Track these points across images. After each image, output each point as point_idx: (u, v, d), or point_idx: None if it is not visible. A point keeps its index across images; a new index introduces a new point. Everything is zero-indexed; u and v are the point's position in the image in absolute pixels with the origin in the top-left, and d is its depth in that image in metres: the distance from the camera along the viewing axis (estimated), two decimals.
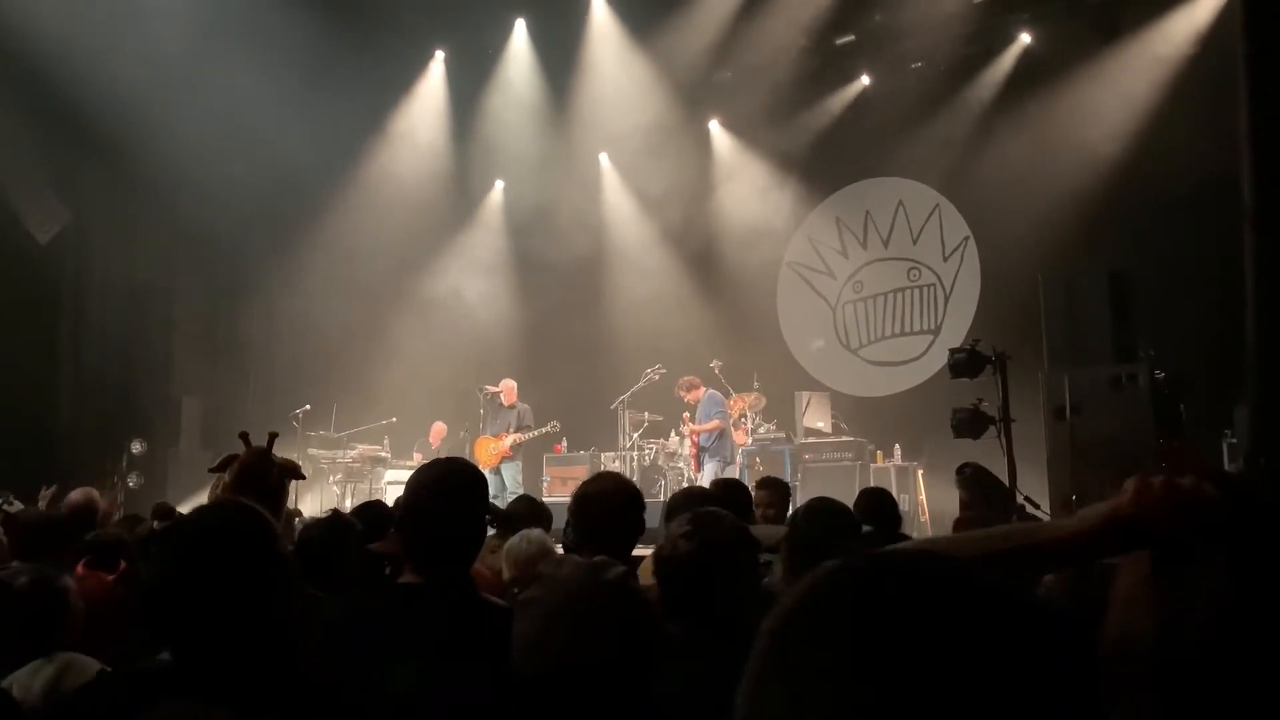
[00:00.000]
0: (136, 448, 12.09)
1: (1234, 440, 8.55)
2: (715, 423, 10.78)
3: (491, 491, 11.87)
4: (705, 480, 10.51)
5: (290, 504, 3.71)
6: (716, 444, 10.78)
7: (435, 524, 2.45)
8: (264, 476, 2.79)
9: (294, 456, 8.39)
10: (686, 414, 11.19)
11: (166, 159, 11.20)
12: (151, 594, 1.77)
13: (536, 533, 3.94)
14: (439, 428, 12.70)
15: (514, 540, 3.86)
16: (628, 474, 11.42)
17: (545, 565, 2.78)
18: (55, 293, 12.12)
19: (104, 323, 12.64)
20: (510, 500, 10.71)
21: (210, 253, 12.92)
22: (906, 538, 4.02)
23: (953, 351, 8.05)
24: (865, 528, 3.76)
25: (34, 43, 10.06)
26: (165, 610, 1.73)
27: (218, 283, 13.41)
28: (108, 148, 11.19)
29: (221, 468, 2.83)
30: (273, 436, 2.93)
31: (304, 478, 2.95)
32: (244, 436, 2.92)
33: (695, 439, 10.97)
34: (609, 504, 3.11)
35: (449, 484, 2.52)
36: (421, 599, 2.39)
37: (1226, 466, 8.25)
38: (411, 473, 2.68)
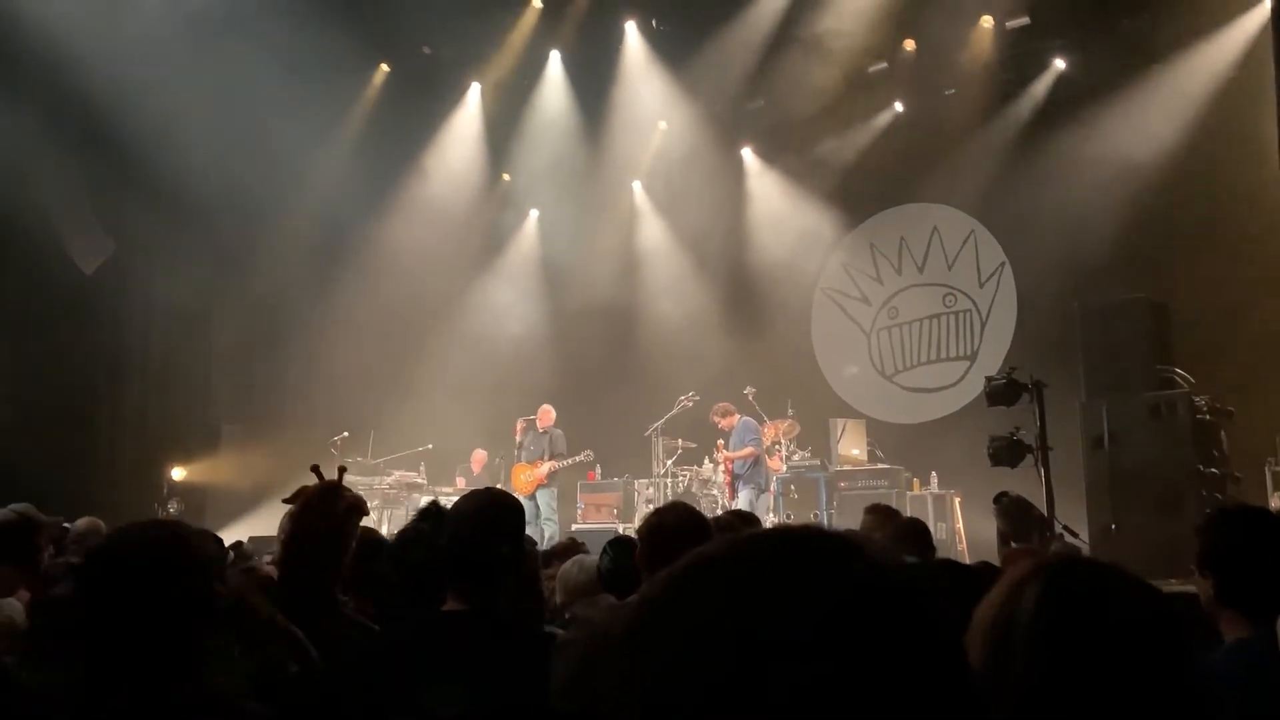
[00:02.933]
0: (176, 474, 12.24)
1: (1278, 468, 8.43)
2: (749, 449, 10.74)
3: (526, 518, 11.83)
4: (741, 508, 10.47)
5: None
6: (751, 471, 10.75)
7: (475, 552, 2.53)
8: (328, 511, 2.83)
9: None
10: (720, 440, 11.17)
11: (207, 187, 11.39)
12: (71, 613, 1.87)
13: (590, 559, 3.96)
14: (480, 455, 12.78)
15: (567, 566, 3.89)
16: (661, 501, 11.42)
17: (579, 607, 2.81)
18: (98, 320, 12.32)
19: (144, 349, 12.83)
20: (544, 526, 10.80)
21: (250, 281, 13.09)
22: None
23: (989, 379, 8.00)
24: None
25: (79, 73, 10.27)
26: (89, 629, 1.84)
27: (257, 311, 13.58)
28: (152, 179, 11.41)
29: (295, 499, 2.88)
30: (342, 471, 2.97)
31: (367, 513, 3.00)
32: (315, 469, 2.96)
33: (729, 466, 10.94)
34: (680, 534, 3.14)
35: (488, 513, 2.62)
36: (463, 626, 2.45)
37: (1270, 495, 8.12)
38: (453, 501, 2.74)
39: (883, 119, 13.05)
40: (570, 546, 4.61)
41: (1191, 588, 6.18)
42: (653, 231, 14.38)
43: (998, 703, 1.11)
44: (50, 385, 11.21)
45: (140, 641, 1.79)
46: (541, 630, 2.85)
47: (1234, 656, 2.25)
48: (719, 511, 10.76)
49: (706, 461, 11.70)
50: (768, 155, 13.94)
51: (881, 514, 5.34)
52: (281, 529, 2.87)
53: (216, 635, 1.95)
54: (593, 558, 4.04)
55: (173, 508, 11.99)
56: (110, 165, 11.39)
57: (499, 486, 11.93)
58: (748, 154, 14.08)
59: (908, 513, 8.85)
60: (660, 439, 11.84)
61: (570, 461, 11.50)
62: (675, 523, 3.20)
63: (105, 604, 1.82)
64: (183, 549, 1.92)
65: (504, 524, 2.63)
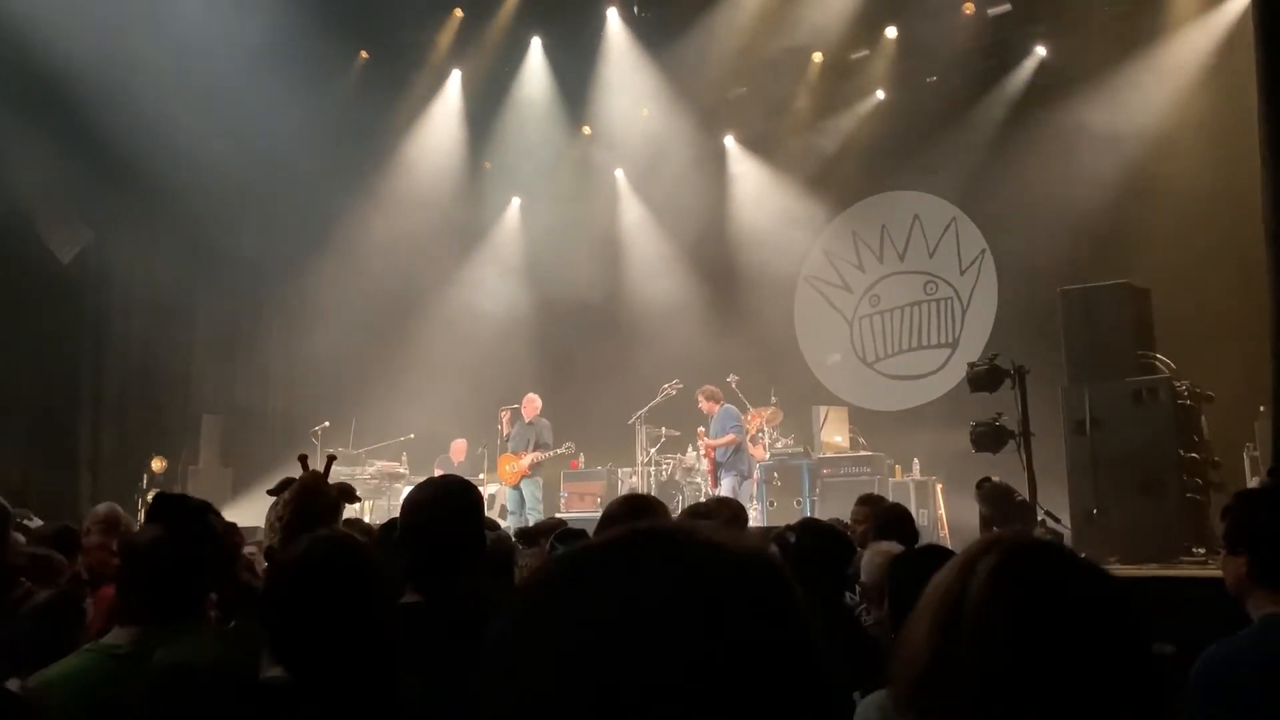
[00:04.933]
0: (157, 465, 12.16)
1: (1256, 453, 8.49)
2: (730, 437, 10.76)
3: (511, 508, 11.74)
4: (723, 495, 10.48)
5: None
6: (733, 459, 10.76)
7: (432, 542, 2.48)
8: (321, 499, 2.84)
9: None
10: (701, 429, 11.18)
11: (188, 178, 11.30)
12: (277, 618, 1.95)
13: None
14: (460, 444, 12.73)
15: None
16: (644, 489, 11.42)
17: None
18: (77, 311, 12.22)
19: (125, 340, 12.74)
20: (529, 516, 10.77)
21: (231, 271, 13.01)
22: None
23: (971, 365, 8.02)
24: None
25: (57, 62, 10.17)
26: (290, 633, 1.92)
27: (238, 301, 13.50)
28: (129, 167, 11.29)
29: (280, 489, 2.88)
30: (330, 459, 2.98)
31: (358, 500, 3.01)
32: (303, 460, 2.98)
33: (711, 454, 10.95)
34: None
35: (444, 502, 2.56)
36: (424, 617, 2.39)
37: (1248, 480, 8.18)
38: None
39: (865, 107, 13.05)
40: (555, 527, 4.60)
41: (1168, 572, 6.20)
42: (635, 219, 14.36)
43: (943, 681, 1.09)
44: (30, 375, 11.11)
45: (350, 653, 1.87)
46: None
47: (1266, 632, 2.31)
48: (702, 499, 10.79)
49: (690, 450, 11.71)
50: (750, 143, 13.92)
51: (871, 504, 5.40)
52: (273, 517, 2.86)
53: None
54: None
55: (152, 498, 11.91)
56: (89, 155, 11.27)
57: (482, 476, 11.94)
58: (730, 142, 14.06)
59: (890, 499, 8.87)
60: (643, 427, 11.84)
61: (553, 453, 11.48)
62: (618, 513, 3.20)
63: (313, 616, 1.89)
64: (373, 561, 2.01)
65: (458, 512, 2.56)
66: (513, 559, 3.89)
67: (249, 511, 10.02)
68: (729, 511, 4.31)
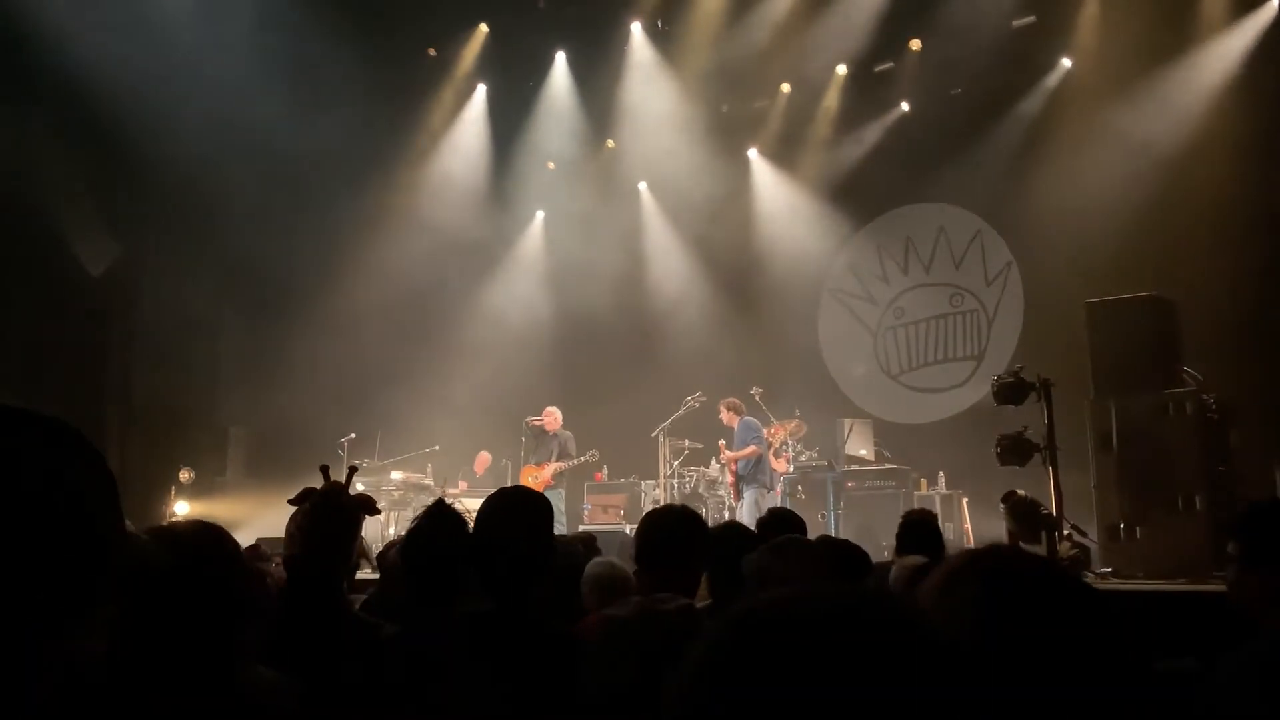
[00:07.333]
0: (184, 477, 12.27)
1: None
2: (752, 448, 10.73)
3: None
4: (745, 508, 10.47)
5: None
6: (754, 471, 10.73)
7: (506, 550, 2.57)
8: (341, 510, 2.86)
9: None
10: (722, 441, 11.17)
11: (217, 191, 11.41)
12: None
13: (611, 560, 3.96)
14: (484, 457, 12.77)
15: (591, 566, 3.90)
16: (668, 502, 11.39)
17: (613, 608, 2.82)
18: (105, 323, 12.35)
19: (153, 353, 12.86)
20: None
21: (258, 284, 13.12)
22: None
23: (997, 378, 7.98)
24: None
25: (87, 77, 10.31)
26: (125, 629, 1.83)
27: (265, 314, 13.60)
28: (159, 181, 11.43)
29: (301, 500, 2.90)
30: (352, 470, 3.01)
31: (379, 512, 3.03)
32: (324, 469, 3.01)
33: (733, 467, 10.92)
34: (672, 535, 3.18)
35: (518, 511, 2.66)
36: (492, 626, 2.46)
37: (1278, 494, 8.09)
38: (457, 504, 2.76)
39: (889, 119, 13.03)
40: (587, 539, 4.62)
41: (1196, 587, 6.12)
42: (659, 232, 14.38)
43: None
44: (58, 387, 11.24)
45: (175, 640, 1.81)
46: (567, 630, 2.84)
47: None
48: (726, 513, 10.78)
49: (713, 462, 11.69)
50: (774, 155, 13.92)
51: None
52: (292, 527, 2.89)
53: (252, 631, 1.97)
54: (607, 559, 4.02)
55: (180, 510, 12.02)
56: (121, 169, 11.42)
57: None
58: (753, 154, 14.07)
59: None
60: (667, 440, 11.82)
61: (576, 462, 11.49)
62: (667, 523, 3.21)
63: (145, 602, 1.81)
64: (222, 547, 1.96)
65: (532, 522, 2.65)
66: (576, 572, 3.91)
67: (276, 522, 10.07)
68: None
